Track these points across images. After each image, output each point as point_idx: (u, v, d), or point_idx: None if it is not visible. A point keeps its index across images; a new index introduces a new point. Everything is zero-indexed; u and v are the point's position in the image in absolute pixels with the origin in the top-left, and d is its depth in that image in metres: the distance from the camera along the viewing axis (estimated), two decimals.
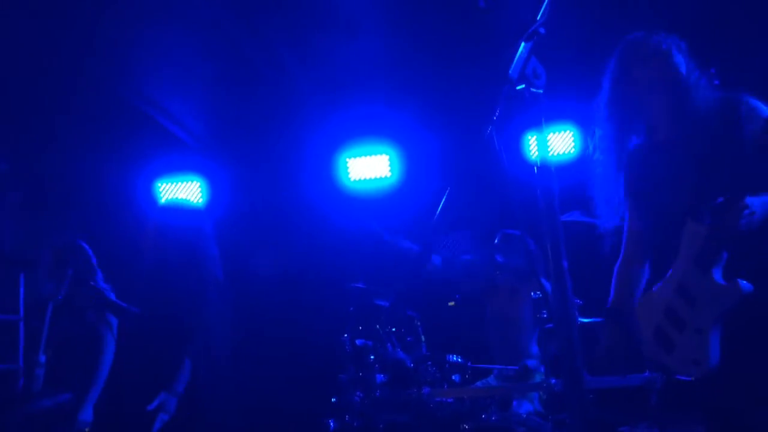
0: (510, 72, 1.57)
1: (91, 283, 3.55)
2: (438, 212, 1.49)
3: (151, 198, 5.88)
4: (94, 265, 3.74)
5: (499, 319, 4.37)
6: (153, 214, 3.75)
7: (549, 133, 6.01)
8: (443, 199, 1.49)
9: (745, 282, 2.31)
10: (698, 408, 2.50)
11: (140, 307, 3.58)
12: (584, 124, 5.78)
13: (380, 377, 4.00)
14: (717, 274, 2.35)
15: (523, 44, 1.60)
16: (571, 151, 5.89)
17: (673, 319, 2.45)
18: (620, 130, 2.59)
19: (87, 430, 3.35)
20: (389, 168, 6.02)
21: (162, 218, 3.73)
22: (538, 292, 3.87)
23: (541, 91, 1.63)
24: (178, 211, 3.82)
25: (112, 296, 3.56)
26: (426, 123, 5.79)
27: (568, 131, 5.89)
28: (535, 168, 1.63)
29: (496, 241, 4.60)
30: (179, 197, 5.88)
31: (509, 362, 4.08)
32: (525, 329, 4.26)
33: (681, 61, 2.46)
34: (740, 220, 2.23)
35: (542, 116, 1.61)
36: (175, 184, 5.96)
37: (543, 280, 2.41)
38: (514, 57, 1.59)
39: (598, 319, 4.12)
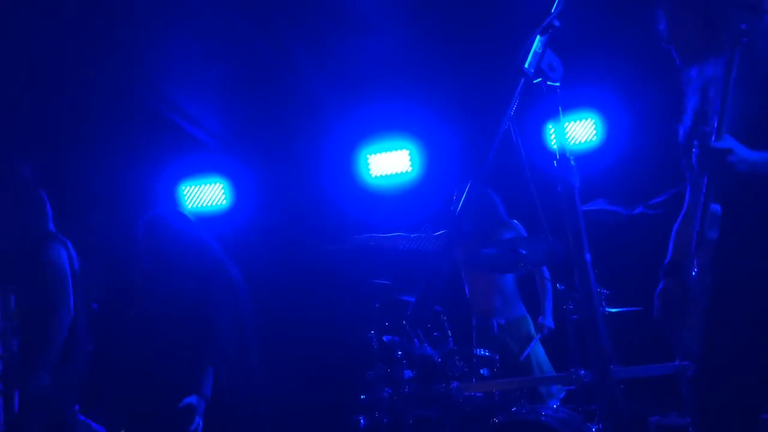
0: (525, 66, 1.56)
1: None
2: (460, 204, 1.49)
3: (174, 201, 5.93)
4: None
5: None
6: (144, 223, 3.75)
7: (569, 122, 5.96)
8: (465, 192, 1.48)
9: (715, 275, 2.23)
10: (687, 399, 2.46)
11: (147, 310, 3.62)
12: (605, 111, 5.75)
13: (408, 373, 4.00)
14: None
15: (538, 37, 1.59)
16: (593, 139, 5.84)
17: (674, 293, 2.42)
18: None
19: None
20: (410, 163, 6.01)
21: (153, 225, 3.72)
22: (563, 285, 3.85)
23: (557, 84, 1.62)
24: (171, 219, 3.82)
25: None
26: (446, 117, 5.77)
27: (589, 119, 5.84)
28: (555, 161, 1.62)
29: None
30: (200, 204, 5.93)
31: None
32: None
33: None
34: (726, 159, 2.11)
35: (559, 108, 1.60)
36: (198, 186, 6.01)
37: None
38: (529, 50, 1.57)
39: (626, 309, 4.11)
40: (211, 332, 3.43)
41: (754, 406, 2.36)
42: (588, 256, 1.79)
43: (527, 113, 1.63)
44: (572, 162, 1.61)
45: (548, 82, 1.59)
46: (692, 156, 2.22)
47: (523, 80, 1.56)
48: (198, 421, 3.34)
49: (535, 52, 1.56)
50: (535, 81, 1.56)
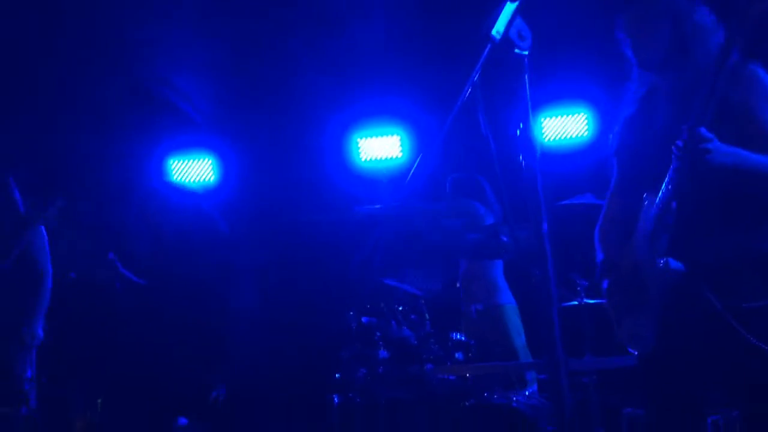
0: (492, 32, 1.55)
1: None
2: (410, 176, 1.46)
3: (162, 175, 5.92)
4: None
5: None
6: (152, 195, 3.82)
7: (562, 116, 5.96)
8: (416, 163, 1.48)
9: (675, 261, 2.24)
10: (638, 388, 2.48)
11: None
12: (598, 106, 5.75)
13: (383, 353, 4.01)
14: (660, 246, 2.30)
15: (508, 3, 1.58)
16: (585, 134, 5.84)
17: (624, 287, 2.42)
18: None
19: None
20: (400, 149, 6.01)
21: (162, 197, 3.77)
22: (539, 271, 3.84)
23: (525, 53, 1.61)
24: (176, 190, 3.90)
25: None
26: (438, 105, 5.75)
27: (581, 114, 5.84)
28: (518, 130, 1.61)
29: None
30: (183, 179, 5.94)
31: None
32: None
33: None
34: (700, 145, 2.14)
35: (526, 80, 1.59)
36: (186, 162, 6.00)
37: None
38: (497, 17, 1.56)
39: (604, 300, 4.11)
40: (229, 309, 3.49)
41: (703, 404, 2.39)
42: (548, 246, 1.80)
43: (491, 84, 1.62)
44: (534, 133, 1.60)
45: (516, 50, 1.58)
46: (674, 149, 2.23)
47: (489, 46, 1.55)
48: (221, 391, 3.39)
49: (503, 18, 1.54)
50: (501, 48, 1.55)
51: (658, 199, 2.30)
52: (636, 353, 2.41)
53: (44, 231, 4.12)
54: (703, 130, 2.15)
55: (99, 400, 4.25)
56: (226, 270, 3.65)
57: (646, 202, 2.37)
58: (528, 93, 1.55)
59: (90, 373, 4.61)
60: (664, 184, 2.27)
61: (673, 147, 2.22)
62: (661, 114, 2.41)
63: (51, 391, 4.21)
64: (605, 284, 2.51)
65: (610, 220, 2.55)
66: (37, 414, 3.71)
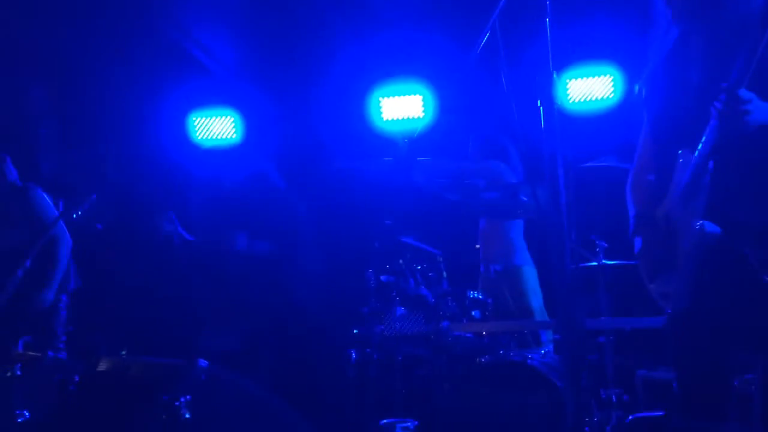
0: None
1: None
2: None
3: (184, 132, 5.96)
4: None
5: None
6: None
7: (588, 77, 5.87)
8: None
9: (711, 225, 2.22)
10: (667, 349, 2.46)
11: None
12: (625, 66, 5.64)
13: (400, 310, 4.05)
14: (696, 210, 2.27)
15: None
16: (611, 97, 5.75)
17: (658, 245, 2.40)
18: None
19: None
20: (423, 109, 5.95)
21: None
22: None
23: None
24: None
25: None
26: (459, 65, 5.68)
27: (608, 75, 5.74)
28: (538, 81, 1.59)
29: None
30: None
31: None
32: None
33: None
34: (740, 107, 2.11)
35: (547, 24, 1.56)
36: (209, 118, 6.02)
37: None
38: None
39: (622, 262, 4.10)
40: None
41: (731, 366, 2.37)
42: (565, 209, 1.77)
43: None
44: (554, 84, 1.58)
45: None
46: (711, 109, 2.18)
47: None
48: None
49: None
50: None
51: (694, 157, 2.27)
52: (668, 311, 2.37)
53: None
54: (743, 91, 2.12)
55: (123, 352, 4.37)
56: (287, 227, 3.73)
57: (681, 160, 2.33)
58: (549, 37, 1.53)
59: (116, 323, 4.73)
60: (700, 143, 2.23)
61: (711, 107, 2.18)
62: (696, 69, 2.35)
63: (79, 339, 4.35)
64: (638, 242, 2.47)
65: (642, 173, 2.50)
66: (63, 355, 3.86)
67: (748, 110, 2.11)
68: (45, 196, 4.30)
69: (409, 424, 3.53)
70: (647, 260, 2.46)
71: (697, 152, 2.24)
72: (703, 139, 2.21)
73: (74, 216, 4.16)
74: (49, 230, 4.01)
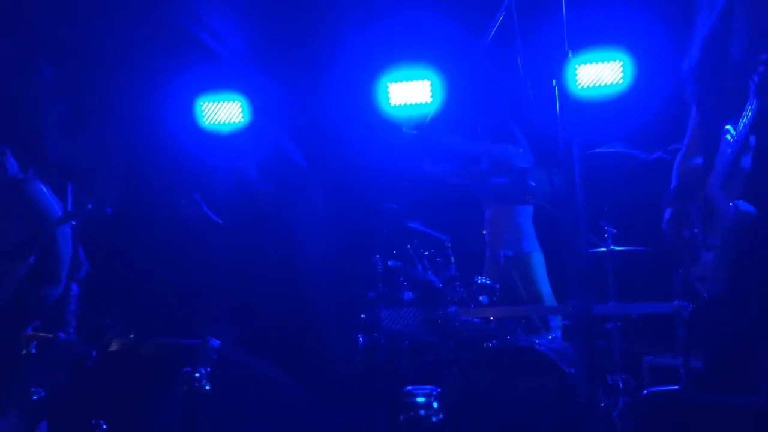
0: None
1: None
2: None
3: (192, 116, 5.96)
4: None
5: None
6: None
7: (597, 62, 5.83)
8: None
9: (744, 204, 2.16)
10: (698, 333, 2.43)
11: None
12: (635, 52, 5.60)
13: (408, 295, 4.05)
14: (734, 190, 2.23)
15: None
16: (620, 82, 5.71)
17: (697, 222, 2.36)
18: None
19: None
20: (431, 94, 5.93)
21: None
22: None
23: None
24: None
25: None
26: (469, 50, 5.65)
27: (617, 61, 5.70)
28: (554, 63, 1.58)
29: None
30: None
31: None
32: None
33: None
34: None
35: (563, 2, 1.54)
36: (216, 103, 6.01)
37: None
38: None
39: (631, 248, 4.10)
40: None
41: (757, 355, 2.35)
42: (580, 195, 1.76)
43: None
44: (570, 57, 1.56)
45: None
46: (750, 83, 2.13)
47: None
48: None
49: None
50: None
51: (737, 133, 2.19)
52: (704, 295, 2.32)
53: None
54: None
55: (131, 335, 4.40)
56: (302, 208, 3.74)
57: (727, 135, 2.25)
58: (564, 12, 1.51)
59: (125, 307, 4.76)
60: (740, 120, 2.16)
61: (750, 82, 2.11)
62: (739, 43, 2.27)
63: (88, 322, 4.38)
64: (668, 213, 2.42)
65: (690, 156, 2.46)
66: (75, 337, 3.89)
67: None
68: (45, 189, 4.27)
69: (431, 389, 3.45)
70: (676, 231, 2.41)
71: (739, 127, 2.17)
72: (744, 113, 2.14)
73: (74, 223, 4.17)
74: (50, 229, 4.01)
